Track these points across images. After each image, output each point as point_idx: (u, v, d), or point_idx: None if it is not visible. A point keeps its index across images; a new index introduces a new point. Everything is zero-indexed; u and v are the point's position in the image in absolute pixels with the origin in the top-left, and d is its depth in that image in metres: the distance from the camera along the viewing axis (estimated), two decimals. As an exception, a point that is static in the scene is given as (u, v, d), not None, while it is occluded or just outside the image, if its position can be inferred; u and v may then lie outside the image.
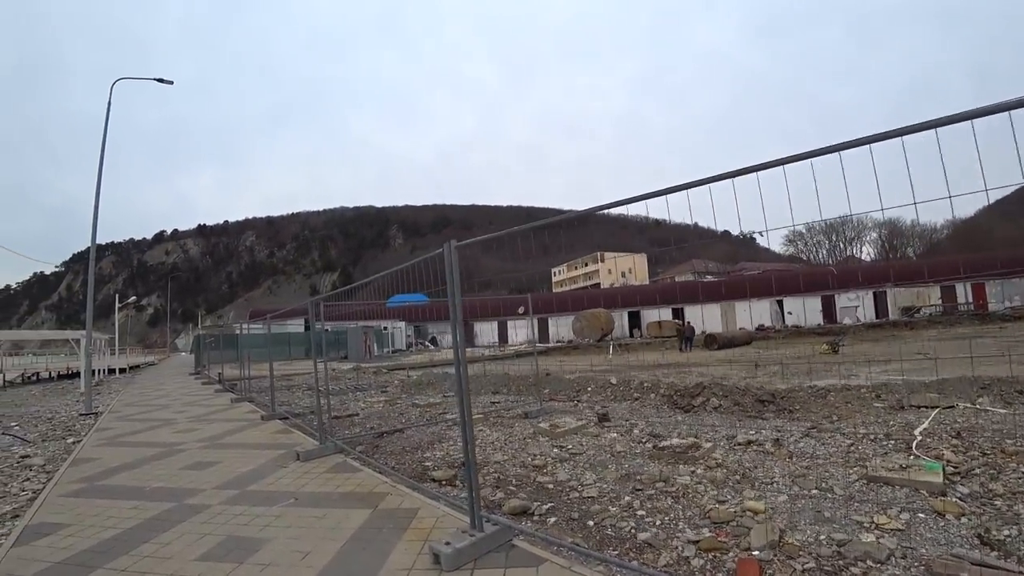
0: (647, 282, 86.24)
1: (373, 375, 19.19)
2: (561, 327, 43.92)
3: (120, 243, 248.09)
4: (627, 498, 4.94)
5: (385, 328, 37.66)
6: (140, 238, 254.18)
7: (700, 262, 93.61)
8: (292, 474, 5.90)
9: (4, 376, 30.12)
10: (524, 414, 9.27)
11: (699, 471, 5.69)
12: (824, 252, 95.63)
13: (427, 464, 6.30)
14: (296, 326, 38.69)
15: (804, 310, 43.99)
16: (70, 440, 9.13)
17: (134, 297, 39.50)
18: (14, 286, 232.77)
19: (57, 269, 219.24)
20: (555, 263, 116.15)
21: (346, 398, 13.27)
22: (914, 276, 41.99)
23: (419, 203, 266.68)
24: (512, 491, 5.31)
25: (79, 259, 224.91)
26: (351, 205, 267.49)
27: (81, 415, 12.31)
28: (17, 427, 11.41)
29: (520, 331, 43.99)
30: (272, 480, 5.69)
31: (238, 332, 18.54)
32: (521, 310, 44.52)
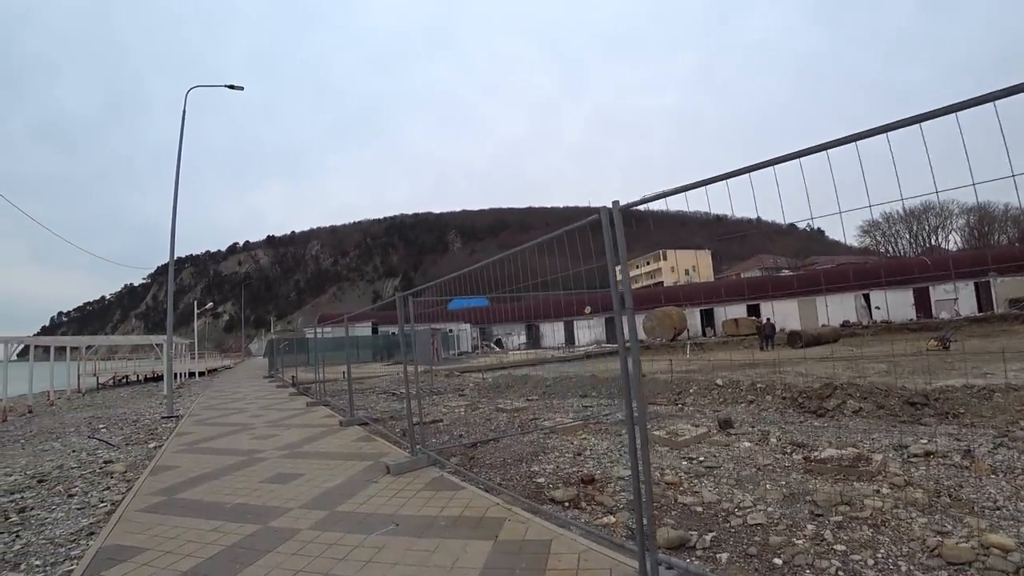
0: (712, 279, 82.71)
1: (446, 378, 18.58)
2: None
3: (198, 255, 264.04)
4: (810, 527, 3.87)
5: (450, 331, 37.34)
6: (215, 250, 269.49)
7: (768, 257, 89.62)
8: (385, 491, 5.11)
9: (98, 379, 31.91)
10: (627, 420, 8.19)
11: (885, 490, 4.53)
12: (904, 243, 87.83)
13: (539, 481, 5.37)
14: (364, 328, 39.13)
15: (888, 305, 40.30)
16: (152, 445, 8.84)
17: (211, 304, 41.02)
18: (108, 297, 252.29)
19: (144, 281, 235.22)
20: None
21: (424, 402, 12.60)
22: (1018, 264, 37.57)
23: (476, 207, 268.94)
24: (655, 515, 4.29)
25: (163, 271, 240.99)
26: (410, 212, 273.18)
27: (163, 418, 12.23)
28: (104, 429, 11.40)
29: (586, 332, 42.65)
30: (364, 498, 4.92)
31: (312, 336, 18.34)
32: (588, 310, 43.17)
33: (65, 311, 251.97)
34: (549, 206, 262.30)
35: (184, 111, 15.65)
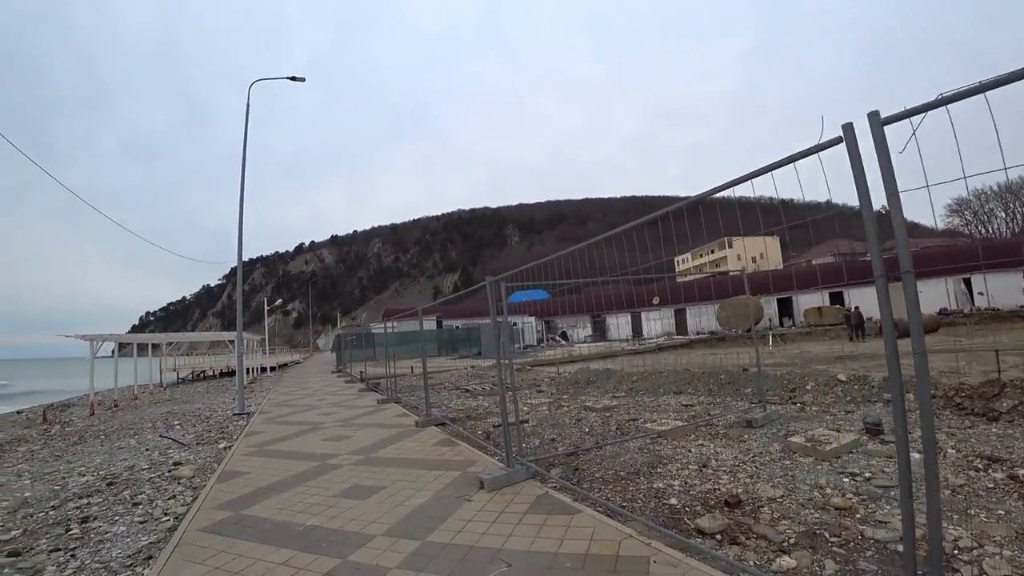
0: (780, 266, 78.07)
1: (517, 372, 17.70)
2: (702, 318, 40.07)
3: (267, 256, 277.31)
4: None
5: (515, 323, 36.55)
6: (284, 251, 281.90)
7: (842, 242, 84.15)
8: (483, 513, 4.18)
9: (178, 374, 33.23)
10: (747, 422, 6.97)
11: None
12: (999, 222, 78.62)
13: (671, 502, 4.31)
14: (428, 322, 39.07)
15: (993, 290, 36.06)
16: (221, 445, 8.38)
17: (280, 301, 42.00)
18: (188, 297, 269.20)
19: (220, 281, 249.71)
20: (679, 252, 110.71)
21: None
22: None
23: (532, 201, 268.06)
24: (843, 556, 3.18)
25: (236, 272, 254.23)
26: (467, 207, 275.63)
27: (234, 415, 11.96)
28: (178, 426, 11.21)
29: (655, 323, 40.77)
30: (459, 523, 4.01)
31: (384, 329, 17.99)
32: (656, 300, 41.29)
33: (152, 311, 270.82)
34: (606, 196, 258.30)
35: (248, 104, 15.47)
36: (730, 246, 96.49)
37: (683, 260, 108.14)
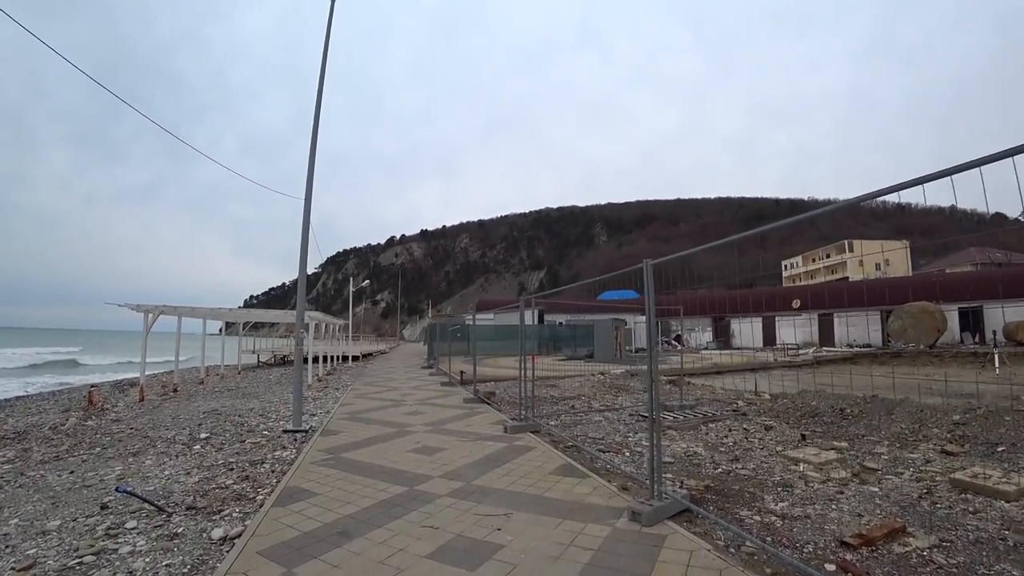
0: (909, 274, 66.73)
1: (666, 384, 12.53)
2: (856, 327, 32.60)
3: (360, 248, 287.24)
4: None
5: (626, 323, 31.27)
6: (376, 243, 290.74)
7: (979, 250, 72.06)
8: None
9: (259, 357, 30.89)
10: None
11: None
12: None
13: None
14: (530, 313, 34.68)
15: None
16: (217, 533, 3.96)
17: (367, 282, 39.22)
18: (287, 283, 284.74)
19: (316, 270, 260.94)
20: (786, 255, 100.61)
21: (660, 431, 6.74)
22: None
23: (621, 200, 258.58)
24: None
25: (331, 262, 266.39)
26: (555, 206, 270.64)
27: (285, 432, 7.76)
28: (206, 439, 7.16)
29: (790, 331, 33.80)
30: None
31: (471, 321, 13.57)
32: (796, 303, 34.32)
33: (255, 294, 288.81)
34: (699, 197, 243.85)
35: (330, 20, 11.28)
36: (851, 250, 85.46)
37: (792, 264, 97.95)
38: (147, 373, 18.36)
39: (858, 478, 5.39)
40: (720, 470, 5.63)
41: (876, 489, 4.96)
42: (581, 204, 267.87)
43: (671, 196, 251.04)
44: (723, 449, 6.71)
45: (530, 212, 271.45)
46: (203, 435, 7.78)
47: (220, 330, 28.36)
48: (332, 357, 24.82)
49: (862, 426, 7.75)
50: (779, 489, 5.00)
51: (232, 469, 5.80)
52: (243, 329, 24.87)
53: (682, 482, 5.11)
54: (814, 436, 7.31)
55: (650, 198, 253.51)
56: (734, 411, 9.22)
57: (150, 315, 15.05)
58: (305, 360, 10.51)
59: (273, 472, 5.68)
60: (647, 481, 4.36)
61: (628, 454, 6.38)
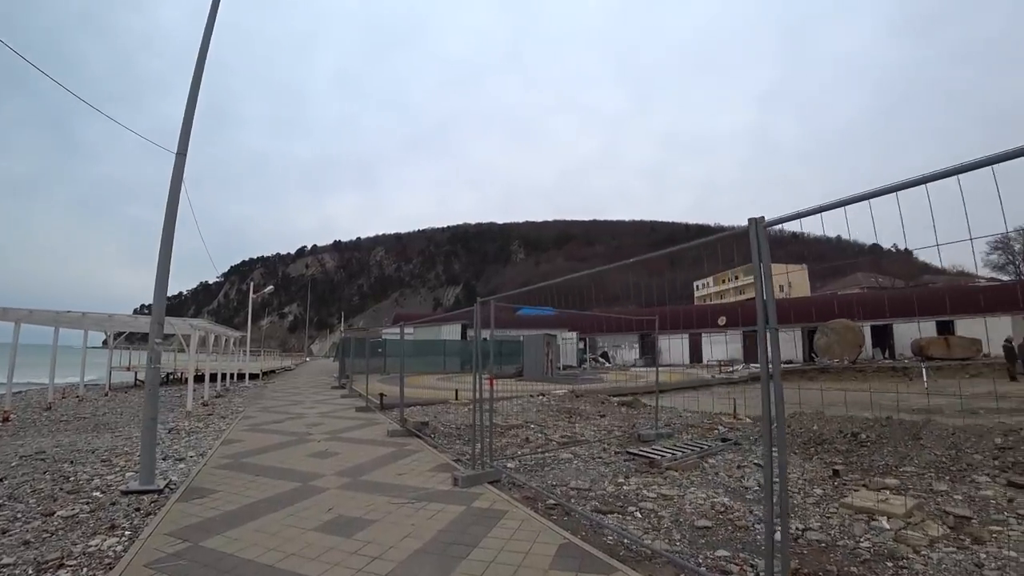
0: (800, 296, 72.81)
1: (620, 407, 10.94)
2: (785, 344, 33.24)
3: (268, 257, 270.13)
4: None
5: (556, 338, 29.88)
6: (285, 252, 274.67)
7: (864, 275, 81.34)
8: None
9: (136, 375, 26.32)
10: None
11: None
12: None
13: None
14: (452, 329, 32.53)
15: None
16: None
17: (270, 288, 35.35)
18: (184, 293, 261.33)
19: (218, 279, 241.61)
20: (697, 276, 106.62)
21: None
22: None
23: (540, 219, 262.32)
24: None
25: (235, 271, 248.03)
26: (474, 222, 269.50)
27: (126, 493, 5.23)
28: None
29: (719, 347, 34.03)
30: None
31: (391, 335, 11.46)
32: (722, 321, 34.62)
33: (146, 303, 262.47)
34: (615, 219, 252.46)
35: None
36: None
37: (703, 284, 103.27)
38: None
39: (968, 535, 3.98)
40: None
41: (1013, 553, 3.52)
42: (500, 221, 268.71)
43: (588, 217, 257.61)
44: (751, 496, 5.11)
45: (448, 227, 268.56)
46: (-7, 501, 5.07)
47: (104, 342, 23.79)
48: (225, 375, 21.30)
49: (886, 454, 6.48)
50: (888, 564, 3.43)
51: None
52: (113, 341, 20.76)
53: (753, 566, 3.39)
54: (845, 472, 5.90)
55: (568, 218, 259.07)
56: (724, 440, 7.72)
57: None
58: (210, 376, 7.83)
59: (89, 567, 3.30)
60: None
61: (640, 516, 4.57)
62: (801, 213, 2.69)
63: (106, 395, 18.71)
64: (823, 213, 2.61)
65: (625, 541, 3.93)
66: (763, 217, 2.79)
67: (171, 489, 5.41)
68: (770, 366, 2.72)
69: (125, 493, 5.19)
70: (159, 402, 6.40)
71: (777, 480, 2.68)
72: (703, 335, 35.34)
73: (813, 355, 29.65)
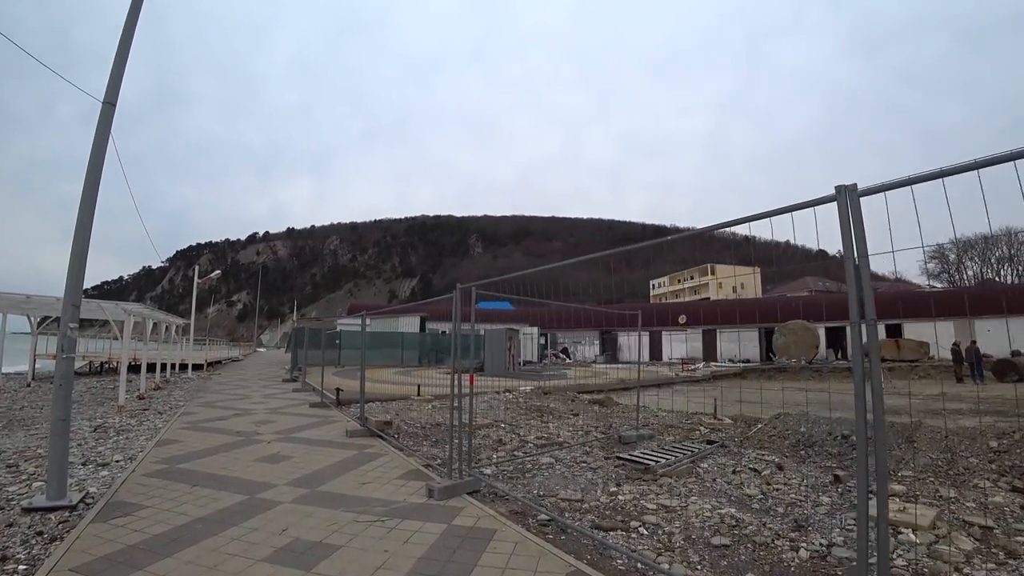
0: (760, 297, 74.99)
1: (584, 404, 10.45)
2: (730, 343, 33.78)
3: (217, 243, 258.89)
4: None
5: (519, 332, 29.34)
6: (235, 239, 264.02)
7: (813, 279, 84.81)
8: None
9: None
10: None
11: None
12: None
13: None
14: (411, 320, 31.36)
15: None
16: None
17: (218, 272, 33.37)
18: (126, 277, 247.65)
19: (162, 264, 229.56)
20: (653, 275, 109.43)
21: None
22: None
23: (498, 214, 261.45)
24: None
25: (181, 256, 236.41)
26: (431, 214, 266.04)
27: (28, 511, 4.31)
28: None
29: (678, 345, 34.28)
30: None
31: (348, 327, 10.58)
32: (683, 319, 34.90)
33: (86, 288, 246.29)
34: (573, 216, 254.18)
35: None
36: (713, 273, 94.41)
37: (659, 283, 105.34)
38: None
39: (1001, 548, 3.64)
40: (816, 557, 3.47)
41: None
42: (458, 214, 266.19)
43: (547, 214, 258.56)
44: (757, 506, 4.66)
45: (405, 218, 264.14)
46: None
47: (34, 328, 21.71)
48: (165, 366, 19.75)
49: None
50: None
51: None
52: (37, 327, 18.91)
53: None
54: (846, 478, 5.55)
55: (526, 214, 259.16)
56: (710, 443, 7.30)
57: None
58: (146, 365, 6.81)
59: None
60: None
61: (646, 532, 4.02)
62: (896, 183, 2.16)
63: (28, 386, 16.98)
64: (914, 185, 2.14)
65: (639, 566, 3.37)
66: (855, 184, 2.24)
67: (86, 504, 4.51)
68: (865, 362, 2.22)
69: (27, 511, 4.27)
70: (92, 396, 5.45)
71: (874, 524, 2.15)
72: (663, 333, 35.58)
73: (771, 355, 30.25)
